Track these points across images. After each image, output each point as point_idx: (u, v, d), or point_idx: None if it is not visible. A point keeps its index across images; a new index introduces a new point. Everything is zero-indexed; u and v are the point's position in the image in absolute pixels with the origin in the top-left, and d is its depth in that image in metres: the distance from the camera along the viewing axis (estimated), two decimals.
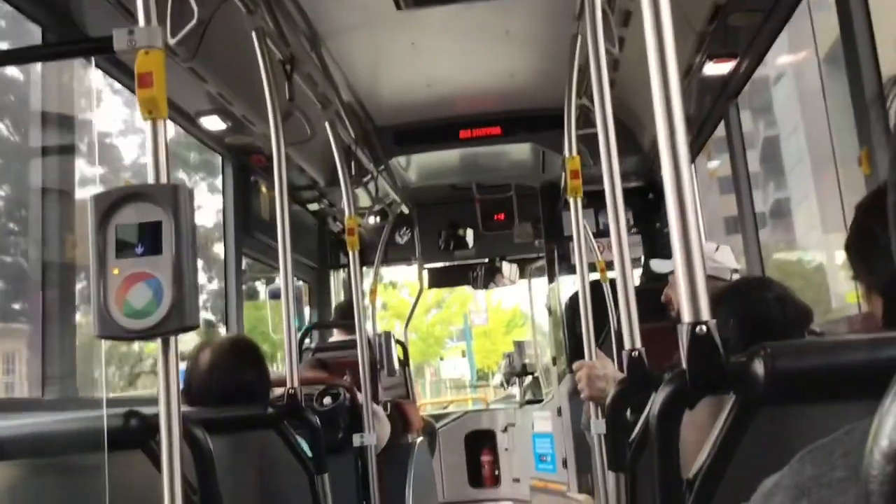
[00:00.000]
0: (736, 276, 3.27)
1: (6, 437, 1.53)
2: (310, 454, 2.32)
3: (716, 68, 3.93)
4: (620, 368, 2.51)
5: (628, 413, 1.94)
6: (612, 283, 4.69)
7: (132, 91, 3.52)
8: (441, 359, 25.35)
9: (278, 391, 2.50)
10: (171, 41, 1.43)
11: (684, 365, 1.02)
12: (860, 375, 0.98)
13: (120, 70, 3.42)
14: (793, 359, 0.97)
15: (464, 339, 24.62)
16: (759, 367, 0.97)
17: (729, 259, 3.42)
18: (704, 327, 1.02)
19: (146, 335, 1.28)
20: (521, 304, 7.63)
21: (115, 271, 1.28)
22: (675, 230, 1.05)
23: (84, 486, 1.63)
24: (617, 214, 2.06)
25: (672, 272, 3.62)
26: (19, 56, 2.22)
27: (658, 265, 3.74)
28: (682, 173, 1.07)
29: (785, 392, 0.98)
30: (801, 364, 0.97)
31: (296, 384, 2.38)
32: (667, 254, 4.20)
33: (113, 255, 1.28)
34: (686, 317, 1.03)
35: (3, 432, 1.55)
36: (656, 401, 1.03)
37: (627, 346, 1.99)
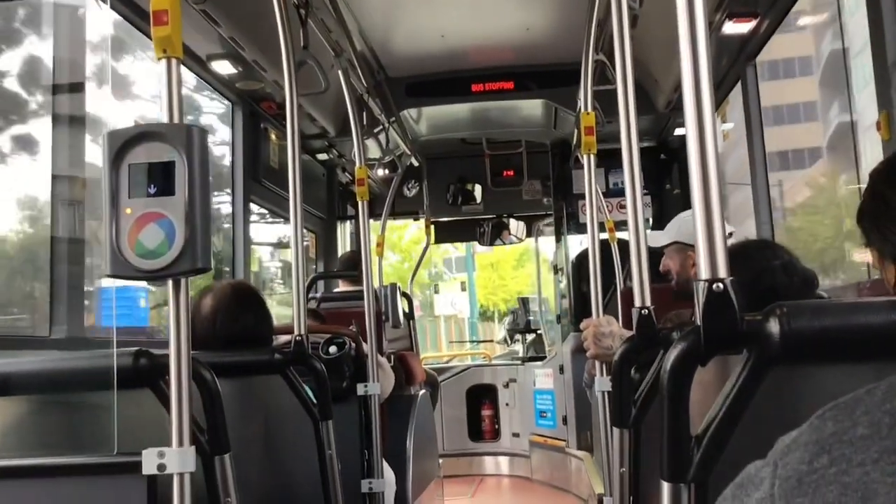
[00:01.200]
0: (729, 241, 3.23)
1: (20, 373, 1.55)
2: (315, 401, 2.34)
3: (735, 28, 3.88)
4: (626, 326, 2.51)
5: (633, 371, 1.95)
6: (620, 243, 4.70)
7: (144, 33, 3.50)
8: (435, 291, 20.72)
9: (283, 339, 2.51)
10: None
11: (698, 322, 1.01)
12: (875, 337, 0.98)
13: (134, 12, 3.39)
14: (809, 319, 0.97)
15: (464, 270, 20.66)
16: (774, 326, 0.97)
17: None
18: (721, 285, 1.01)
19: (157, 275, 1.27)
20: (530, 241, 7.56)
21: (128, 211, 1.27)
22: (696, 187, 1.04)
23: (92, 423, 1.65)
24: (633, 170, 2.03)
25: (667, 245, 3.62)
26: None
27: (652, 238, 3.71)
28: (705, 129, 1.05)
29: (799, 352, 0.98)
30: (817, 324, 0.97)
31: (303, 331, 2.39)
32: (671, 218, 4.11)
33: (126, 195, 1.28)
34: (703, 273, 1.03)
35: (16, 367, 1.57)
36: (668, 357, 1.03)
37: (638, 303, 1.99)
